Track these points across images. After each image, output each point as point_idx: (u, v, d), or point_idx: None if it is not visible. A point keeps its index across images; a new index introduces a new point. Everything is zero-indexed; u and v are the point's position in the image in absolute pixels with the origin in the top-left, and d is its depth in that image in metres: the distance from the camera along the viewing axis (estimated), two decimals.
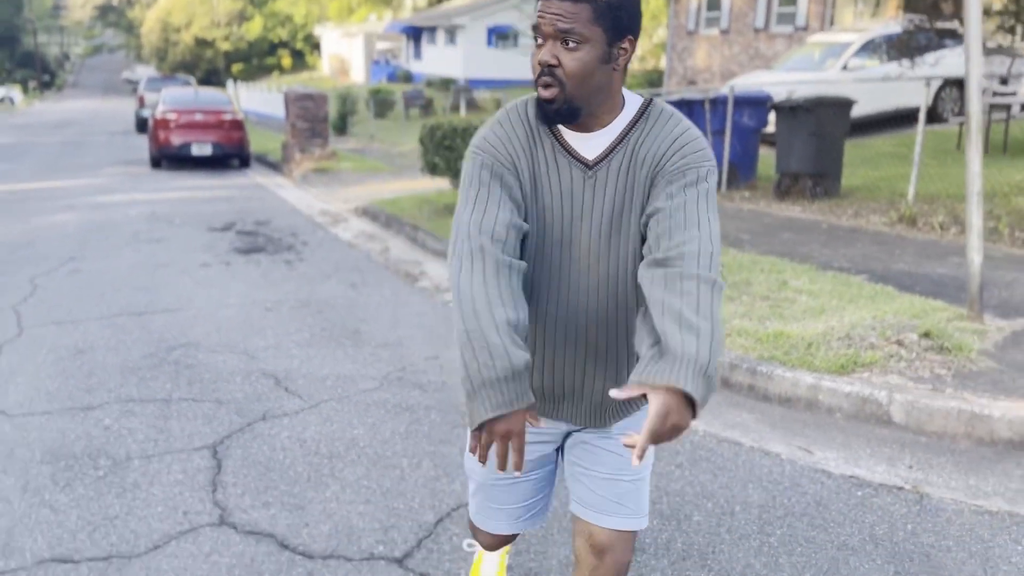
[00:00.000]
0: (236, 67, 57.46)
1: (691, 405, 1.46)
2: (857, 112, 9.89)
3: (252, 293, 6.30)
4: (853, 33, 13.93)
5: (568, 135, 1.75)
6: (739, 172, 9.86)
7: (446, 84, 32.19)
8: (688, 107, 9.51)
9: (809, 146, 8.87)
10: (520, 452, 1.63)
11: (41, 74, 66.08)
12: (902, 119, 12.98)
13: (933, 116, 12.92)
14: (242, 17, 58.41)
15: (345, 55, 48.41)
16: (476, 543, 2.46)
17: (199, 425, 3.90)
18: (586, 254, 1.76)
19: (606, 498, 1.90)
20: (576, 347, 1.82)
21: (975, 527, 2.99)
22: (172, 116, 15.07)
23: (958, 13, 9.16)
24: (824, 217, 8.24)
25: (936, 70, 10.91)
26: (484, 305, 1.61)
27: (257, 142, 18.09)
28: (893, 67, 11.60)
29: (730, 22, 19.93)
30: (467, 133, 9.00)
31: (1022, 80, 12.34)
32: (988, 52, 10.78)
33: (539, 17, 1.63)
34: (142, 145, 18.88)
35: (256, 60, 59.43)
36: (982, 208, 4.70)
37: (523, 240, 1.76)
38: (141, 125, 23.25)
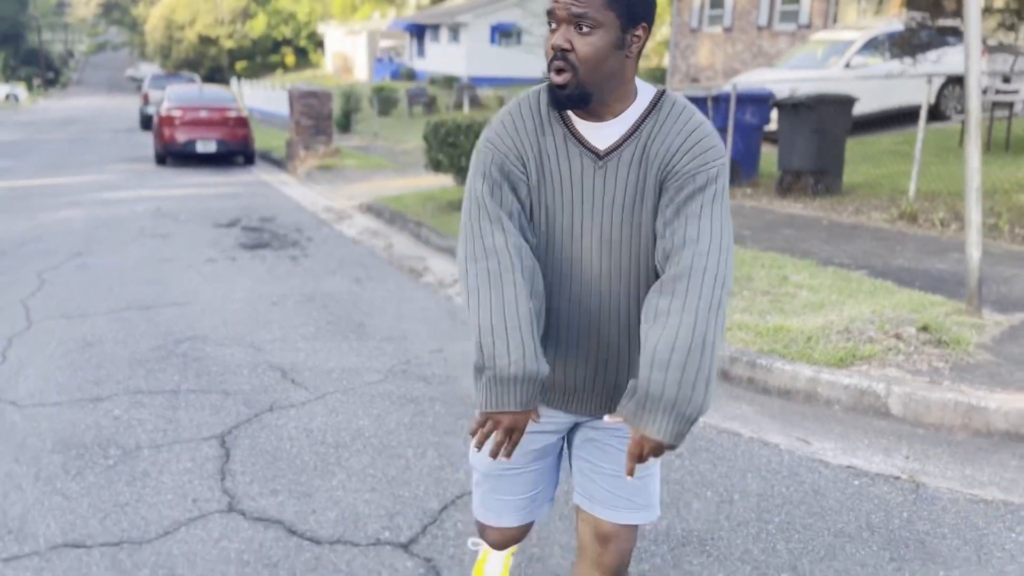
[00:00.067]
0: (240, 65, 57.57)
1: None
2: (860, 110, 9.93)
3: (258, 288, 6.37)
4: (856, 31, 13.96)
5: (579, 124, 1.74)
6: (741, 169, 9.90)
7: (449, 82, 32.23)
8: None
9: (811, 143, 8.92)
10: (515, 445, 1.73)
11: (45, 71, 66.23)
12: (905, 117, 13.01)
13: (936, 114, 12.97)
14: (246, 15, 58.51)
15: (349, 53, 48.49)
16: (481, 542, 2.43)
17: (207, 416, 3.96)
18: (597, 246, 1.75)
19: (615, 494, 1.90)
20: (588, 340, 1.82)
21: (970, 515, 3.05)
22: (177, 113, 15.13)
23: (959, 11, 9.18)
24: (825, 214, 8.28)
25: (938, 68, 10.94)
26: (512, 298, 1.68)
27: (261, 139, 18.15)
28: (896, 65, 11.63)
29: (733, 20, 19.97)
30: (471, 130, 9.05)
31: None
32: (991, 50, 10.82)
33: (553, 1, 1.64)
34: (146, 142, 18.95)
35: (260, 58, 59.54)
36: (981, 204, 4.74)
37: (532, 231, 1.78)
38: (145, 122, 23.33)
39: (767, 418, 3.93)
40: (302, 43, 59.74)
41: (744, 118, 9.74)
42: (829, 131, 8.87)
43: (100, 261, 7.26)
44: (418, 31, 40.45)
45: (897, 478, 3.33)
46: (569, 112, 1.74)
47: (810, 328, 4.59)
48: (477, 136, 8.66)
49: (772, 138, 10.69)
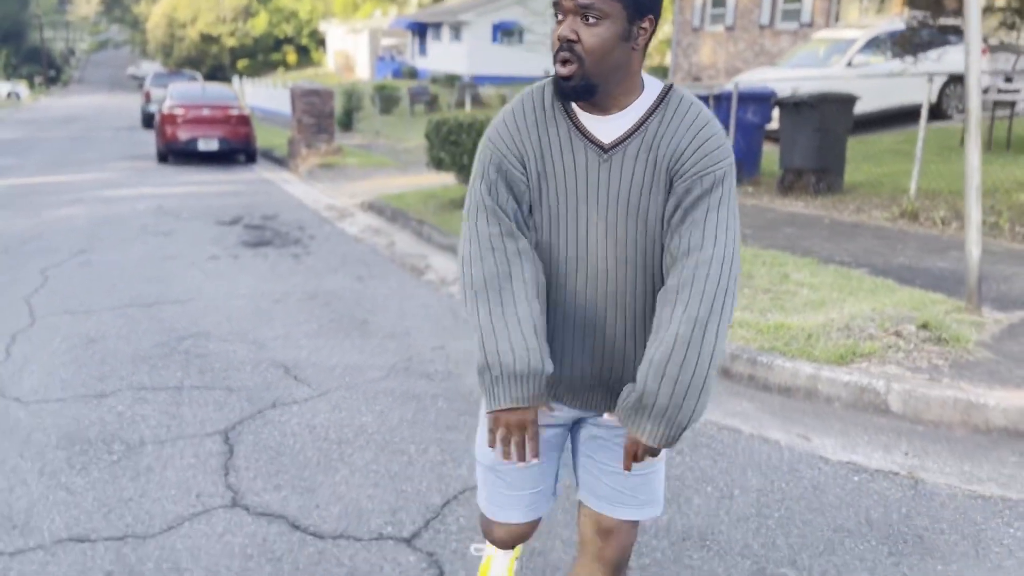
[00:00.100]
0: (241, 63, 57.61)
1: None
2: (862, 109, 9.94)
3: (260, 285, 6.39)
4: (858, 30, 13.97)
5: (584, 117, 1.74)
6: (743, 168, 9.91)
7: (451, 80, 32.25)
8: None
9: (812, 142, 8.93)
10: (535, 439, 1.76)
11: (47, 69, 66.28)
12: (907, 116, 13.01)
13: (937, 113, 12.98)
14: (247, 13, 58.56)
15: (350, 51, 48.51)
16: (483, 547, 2.40)
17: (210, 412, 3.99)
18: (602, 240, 1.74)
19: (618, 490, 1.92)
20: (593, 335, 1.81)
21: (968, 511, 3.07)
22: (179, 111, 15.15)
23: (960, 10, 9.19)
24: (827, 212, 8.30)
25: (939, 67, 10.94)
26: (509, 298, 1.71)
27: (263, 138, 18.18)
28: (897, 64, 11.64)
29: (735, 19, 19.98)
30: (472, 129, 9.07)
31: None
32: (993, 49, 10.83)
33: None
34: (148, 140, 18.98)
35: (261, 56, 59.58)
36: (981, 202, 4.76)
37: (536, 227, 1.78)
38: (147, 120, 23.37)
39: (767, 415, 3.95)
40: (304, 41, 59.78)
41: (746, 117, 9.76)
42: (831, 130, 8.88)
43: (103, 258, 7.29)
44: (420, 29, 40.47)
45: (896, 474, 3.35)
46: (574, 106, 1.74)
47: (811, 326, 4.60)
48: (479, 134, 8.72)
49: (774, 137, 10.71)
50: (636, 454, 1.71)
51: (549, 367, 1.72)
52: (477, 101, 25.34)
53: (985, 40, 10.80)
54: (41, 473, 3.37)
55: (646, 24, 1.66)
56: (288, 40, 59.80)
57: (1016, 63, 11.26)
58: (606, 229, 1.73)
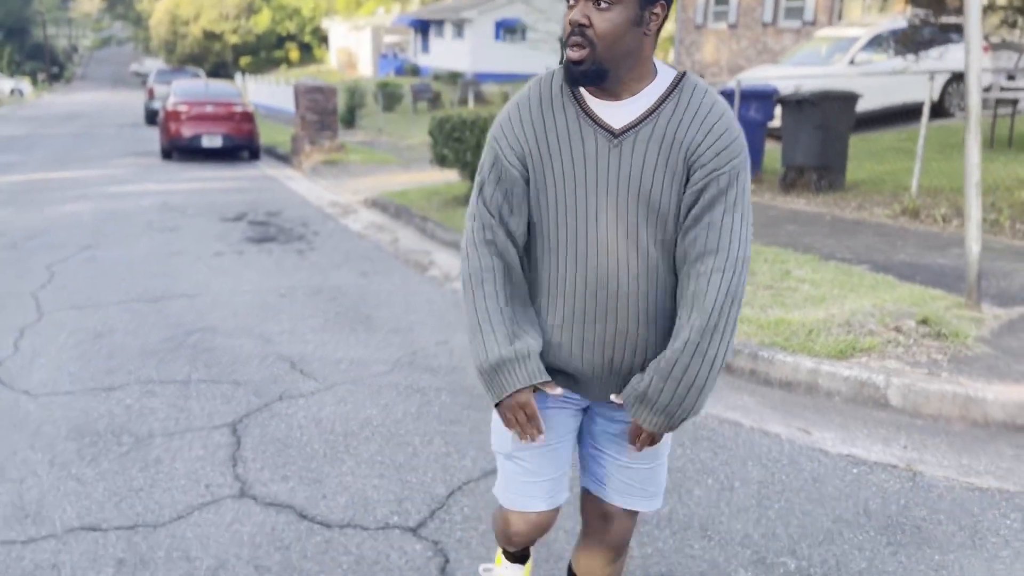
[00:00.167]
0: (244, 60, 57.65)
1: None
2: (864, 107, 9.97)
3: (266, 281, 6.44)
4: (860, 28, 13.99)
5: (593, 103, 1.74)
6: None
7: (454, 78, 32.28)
8: None
9: (814, 139, 8.97)
10: (536, 416, 1.82)
11: (50, 66, 66.35)
12: (908, 114, 13.04)
13: (939, 111, 13.00)
14: (250, 10, 58.58)
15: (353, 48, 48.56)
16: (491, 567, 2.38)
17: (218, 405, 4.04)
18: (613, 226, 1.73)
19: (624, 481, 1.97)
20: (604, 323, 1.79)
21: (965, 502, 3.11)
22: (183, 108, 15.19)
23: (962, 8, 9.22)
24: (828, 209, 8.34)
25: (941, 65, 10.97)
26: (492, 293, 1.80)
27: (266, 135, 18.21)
28: (899, 62, 11.67)
29: (738, 16, 20.00)
30: (475, 125, 9.11)
31: None
32: (995, 47, 10.86)
33: None
34: (152, 137, 19.05)
35: (264, 53, 59.61)
36: (980, 199, 4.80)
37: (544, 215, 1.79)
38: (151, 117, 23.40)
39: (768, 409, 4.00)
40: (306, 39, 59.81)
41: (748, 114, 9.80)
42: (833, 128, 8.92)
43: (108, 254, 7.34)
44: (422, 27, 40.49)
45: (895, 466, 3.40)
46: (583, 91, 1.74)
47: (811, 321, 4.65)
48: (482, 131, 8.77)
49: (776, 134, 10.74)
50: (639, 436, 1.85)
51: (531, 344, 1.79)
52: (480, 98, 25.36)
53: (987, 38, 10.84)
54: (52, 464, 3.42)
55: (658, 9, 1.66)
56: (291, 37, 59.83)
57: (1018, 61, 11.29)
58: (616, 215, 1.73)
